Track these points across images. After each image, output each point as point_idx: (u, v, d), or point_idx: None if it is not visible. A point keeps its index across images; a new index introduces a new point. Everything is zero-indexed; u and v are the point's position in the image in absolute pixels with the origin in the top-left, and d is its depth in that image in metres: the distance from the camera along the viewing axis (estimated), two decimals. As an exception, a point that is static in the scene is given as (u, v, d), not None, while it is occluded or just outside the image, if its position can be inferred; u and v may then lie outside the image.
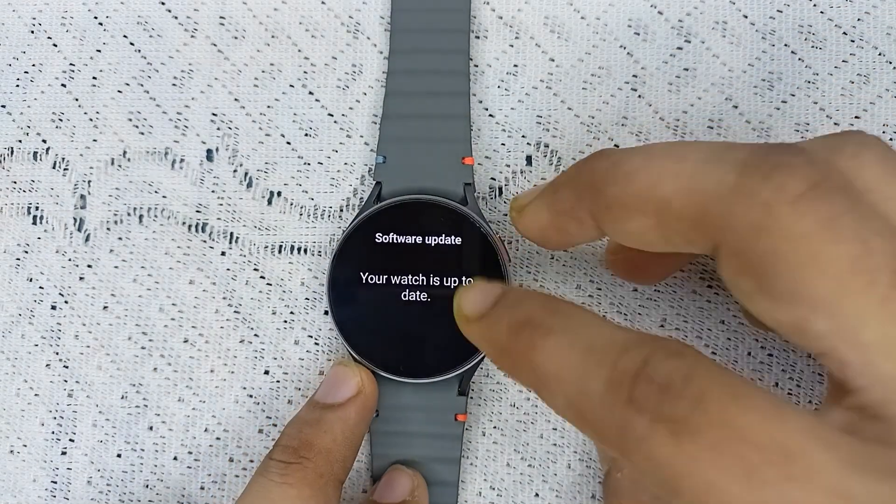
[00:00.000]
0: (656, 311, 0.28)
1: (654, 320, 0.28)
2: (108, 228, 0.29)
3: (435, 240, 0.26)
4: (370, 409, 0.26)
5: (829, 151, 0.18)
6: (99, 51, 0.30)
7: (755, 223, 0.17)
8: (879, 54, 0.28)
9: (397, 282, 0.26)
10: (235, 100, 0.29)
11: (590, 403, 0.17)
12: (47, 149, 0.30)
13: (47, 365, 0.29)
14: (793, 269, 0.16)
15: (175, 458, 0.28)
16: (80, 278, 0.29)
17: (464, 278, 0.26)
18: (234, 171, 0.29)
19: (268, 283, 0.29)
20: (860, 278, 0.16)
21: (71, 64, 0.30)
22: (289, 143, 0.29)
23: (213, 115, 0.29)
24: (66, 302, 0.29)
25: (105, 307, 0.29)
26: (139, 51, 0.30)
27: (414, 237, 0.26)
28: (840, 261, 0.16)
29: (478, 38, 0.29)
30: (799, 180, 0.16)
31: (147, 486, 0.28)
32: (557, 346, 0.17)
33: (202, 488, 0.28)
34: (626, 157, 0.19)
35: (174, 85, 0.30)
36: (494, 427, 0.28)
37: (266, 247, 0.29)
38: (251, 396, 0.28)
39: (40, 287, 0.29)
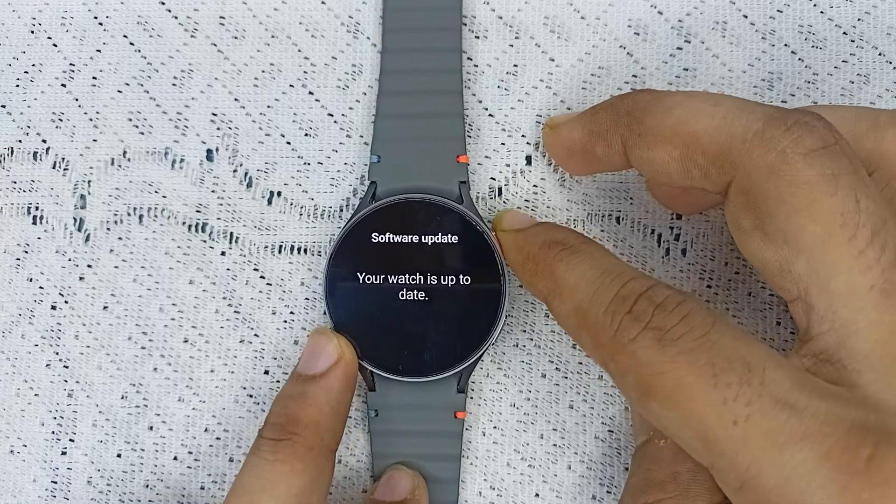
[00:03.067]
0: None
1: (654, 320, 0.28)
2: (108, 228, 0.29)
3: (431, 238, 0.26)
4: (353, 375, 0.26)
5: (859, 120, 0.22)
6: (99, 51, 0.30)
7: (769, 166, 0.19)
8: (879, 54, 0.28)
9: (394, 281, 0.26)
10: (235, 100, 0.29)
11: (595, 309, 0.20)
12: (47, 149, 0.30)
13: (47, 365, 0.29)
14: (790, 212, 0.19)
15: (175, 458, 0.28)
16: (80, 278, 0.29)
17: (461, 276, 0.26)
18: (234, 171, 0.29)
19: (268, 283, 0.29)
20: (844, 230, 0.18)
21: (71, 64, 0.30)
22: (289, 143, 0.29)
23: (213, 115, 0.29)
24: (66, 302, 0.29)
25: (105, 307, 0.29)
26: (139, 51, 0.30)
27: (410, 236, 0.26)
28: (831, 212, 0.18)
29: (477, 37, 0.29)
30: (815, 138, 0.19)
31: (147, 486, 0.28)
32: (581, 263, 0.21)
33: (202, 488, 0.28)
34: (668, 94, 0.22)
35: (174, 85, 0.30)
36: (494, 427, 0.28)
37: (266, 247, 0.29)
38: (251, 396, 0.28)
39: (40, 287, 0.29)
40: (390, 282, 0.26)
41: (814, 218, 0.18)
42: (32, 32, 0.30)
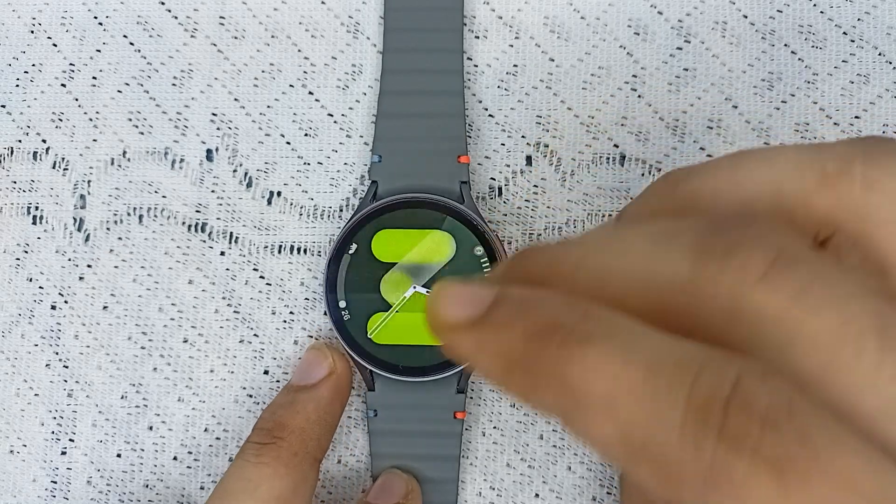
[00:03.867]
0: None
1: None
2: (108, 228, 0.29)
3: None
4: (344, 389, 0.26)
5: (863, 162, 0.16)
6: (99, 51, 0.30)
7: (725, 311, 0.14)
8: (879, 54, 0.28)
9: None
10: (235, 100, 0.29)
11: (660, 435, 0.13)
12: (47, 149, 0.30)
13: (47, 365, 0.29)
14: (776, 352, 0.14)
15: (175, 458, 0.28)
16: (80, 278, 0.29)
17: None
18: (234, 171, 0.29)
19: (267, 283, 0.29)
20: (846, 350, 0.14)
21: (71, 64, 0.30)
22: (289, 143, 0.29)
23: (213, 115, 0.29)
24: (65, 302, 0.29)
25: (105, 307, 0.29)
26: (139, 51, 0.30)
27: None
28: (822, 335, 0.14)
29: (477, 37, 0.29)
30: (758, 258, 0.14)
31: (147, 486, 0.28)
32: (607, 358, 0.14)
33: (202, 488, 0.28)
34: (562, 251, 0.16)
35: (174, 85, 0.30)
36: (494, 427, 0.28)
37: (266, 247, 0.29)
38: (251, 396, 0.28)
39: (40, 287, 0.29)
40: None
41: (805, 350, 0.14)
42: (32, 32, 0.30)
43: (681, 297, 0.15)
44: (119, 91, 0.30)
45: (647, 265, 0.15)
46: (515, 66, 0.29)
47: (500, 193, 0.29)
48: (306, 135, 0.29)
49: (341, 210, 0.29)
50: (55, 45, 0.30)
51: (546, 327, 0.14)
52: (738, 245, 0.15)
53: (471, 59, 0.29)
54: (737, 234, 0.15)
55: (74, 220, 0.29)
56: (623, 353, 0.14)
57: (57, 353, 0.29)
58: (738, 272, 0.14)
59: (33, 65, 0.30)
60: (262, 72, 0.29)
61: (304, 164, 0.29)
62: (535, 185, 0.28)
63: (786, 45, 0.28)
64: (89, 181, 0.29)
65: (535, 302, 0.15)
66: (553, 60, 0.29)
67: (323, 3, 0.30)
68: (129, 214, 0.29)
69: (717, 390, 0.13)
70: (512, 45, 0.29)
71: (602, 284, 0.15)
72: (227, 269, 0.29)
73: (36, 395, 0.29)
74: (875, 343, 0.14)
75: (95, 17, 0.30)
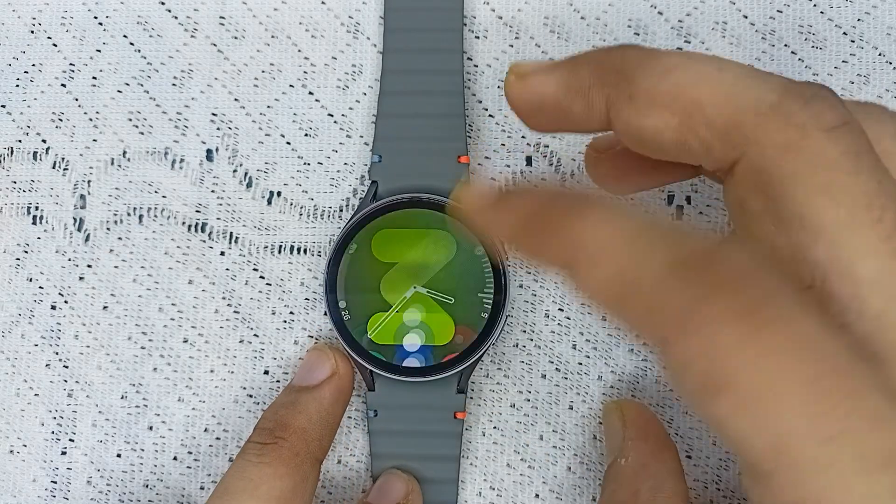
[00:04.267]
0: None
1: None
2: (108, 228, 0.29)
3: None
4: (346, 391, 0.26)
5: (855, 109, 0.19)
6: (99, 51, 0.30)
7: (786, 143, 0.17)
8: (879, 54, 0.28)
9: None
10: (235, 100, 0.29)
11: (650, 275, 0.15)
12: (47, 149, 0.30)
13: (47, 365, 0.29)
14: (808, 193, 0.17)
15: (175, 458, 0.28)
16: (80, 278, 0.29)
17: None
18: (234, 171, 0.29)
19: (267, 284, 0.29)
20: (870, 213, 0.16)
21: (71, 64, 0.30)
22: (289, 143, 0.29)
23: (213, 115, 0.29)
24: (65, 302, 0.29)
25: (105, 307, 0.29)
26: (139, 51, 0.30)
27: None
28: (855, 192, 0.16)
29: (477, 37, 0.29)
30: (835, 114, 0.17)
31: (147, 486, 0.28)
32: (609, 216, 0.16)
33: (202, 488, 0.28)
34: (664, 52, 0.19)
35: (174, 85, 0.30)
36: (494, 427, 0.28)
37: (266, 247, 0.29)
38: (251, 396, 0.28)
39: (40, 287, 0.29)
40: None
41: (836, 199, 0.16)
42: (32, 32, 0.30)
43: (754, 119, 0.17)
44: (119, 91, 0.30)
45: (739, 84, 0.18)
46: (515, 66, 0.29)
47: (500, 193, 0.28)
48: (306, 135, 0.29)
49: (341, 210, 0.29)
50: (55, 45, 0.30)
51: (559, 194, 0.17)
52: (822, 98, 0.17)
53: (471, 59, 0.29)
54: (823, 92, 0.17)
55: (74, 220, 0.29)
56: (623, 213, 0.16)
57: (57, 353, 0.29)
58: (814, 116, 0.17)
59: (33, 65, 0.30)
60: (263, 72, 0.29)
61: (305, 164, 0.29)
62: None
63: (786, 45, 0.28)
64: (89, 181, 0.29)
65: (545, 185, 0.18)
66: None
67: (323, 3, 0.30)
68: (129, 214, 0.29)
69: (704, 245, 0.15)
70: (512, 46, 0.29)
71: (692, 87, 0.18)
72: (227, 269, 0.29)
73: (36, 395, 0.29)
74: (894, 219, 0.16)
75: (95, 17, 0.30)
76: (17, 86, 0.30)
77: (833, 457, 0.14)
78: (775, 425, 0.14)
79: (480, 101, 0.29)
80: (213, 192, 0.29)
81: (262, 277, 0.29)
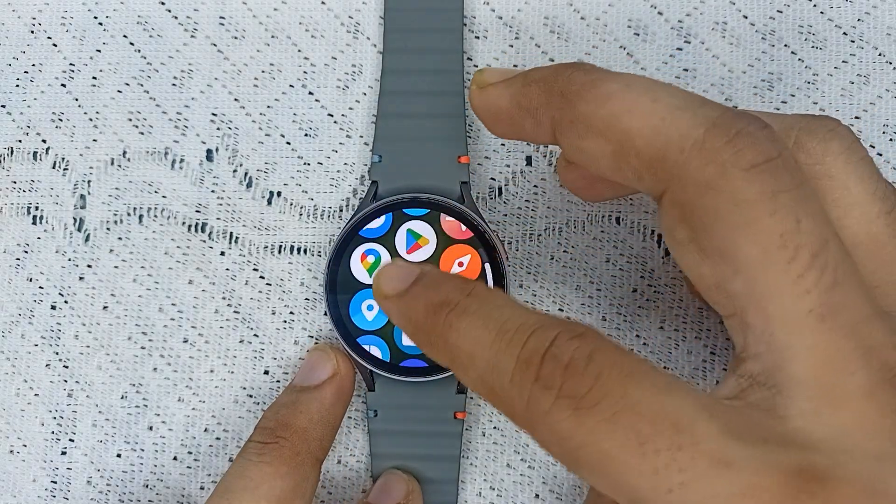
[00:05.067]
0: (655, 311, 0.28)
1: (653, 321, 0.28)
2: (108, 228, 0.29)
3: None
4: (347, 391, 0.26)
5: (800, 130, 0.20)
6: (99, 51, 0.30)
7: (707, 180, 0.18)
8: (879, 54, 0.28)
9: None
10: (235, 100, 0.29)
11: (500, 380, 0.18)
12: (47, 149, 0.30)
13: (47, 365, 0.29)
14: (727, 230, 0.17)
15: (175, 458, 0.28)
16: (80, 278, 0.29)
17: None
18: (234, 171, 0.29)
19: (267, 284, 0.29)
20: (783, 252, 0.17)
21: (71, 64, 0.30)
22: (289, 143, 0.29)
23: (213, 115, 0.29)
24: (65, 302, 0.29)
25: (105, 307, 0.29)
26: (139, 51, 0.30)
27: None
28: (770, 232, 0.17)
29: (477, 38, 0.29)
30: (757, 152, 0.17)
31: (147, 486, 0.28)
32: (471, 327, 0.18)
33: (202, 488, 0.28)
34: (605, 78, 0.20)
35: (174, 85, 0.30)
36: (494, 427, 0.28)
37: (266, 247, 0.29)
38: (251, 396, 0.28)
39: (40, 287, 0.29)
40: None
41: (752, 238, 0.17)
42: (32, 32, 0.30)
43: (678, 155, 0.18)
44: (119, 91, 0.30)
45: (668, 117, 0.18)
46: (515, 66, 0.29)
47: (500, 193, 0.29)
48: (306, 135, 0.29)
49: (341, 210, 0.29)
50: (55, 45, 0.30)
51: (439, 304, 0.19)
52: (747, 135, 0.18)
53: (471, 60, 0.29)
54: (751, 128, 0.18)
55: (74, 220, 0.29)
56: (484, 321, 0.18)
57: (57, 353, 0.29)
58: (735, 154, 0.17)
59: (33, 65, 0.30)
60: (262, 72, 0.29)
61: (305, 164, 0.29)
62: (535, 185, 0.28)
63: (786, 45, 0.28)
64: (89, 181, 0.29)
65: (437, 282, 0.20)
66: (553, 61, 0.29)
67: (323, 3, 0.30)
68: (129, 214, 0.29)
69: (538, 346, 0.17)
70: (512, 46, 0.29)
71: (625, 117, 0.19)
72: (227, 270, 0.29)
73: (36, 395, 0.29)
74: (807, 259, 0.17)
75: (95, 17, 0.30)
76: (17, 86, 0.30)
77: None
78: (624, 487, 0.16)
79: (480, 102, 0.29)
80: (213, 192, 0.29)
81: (262, 277, 0.29)
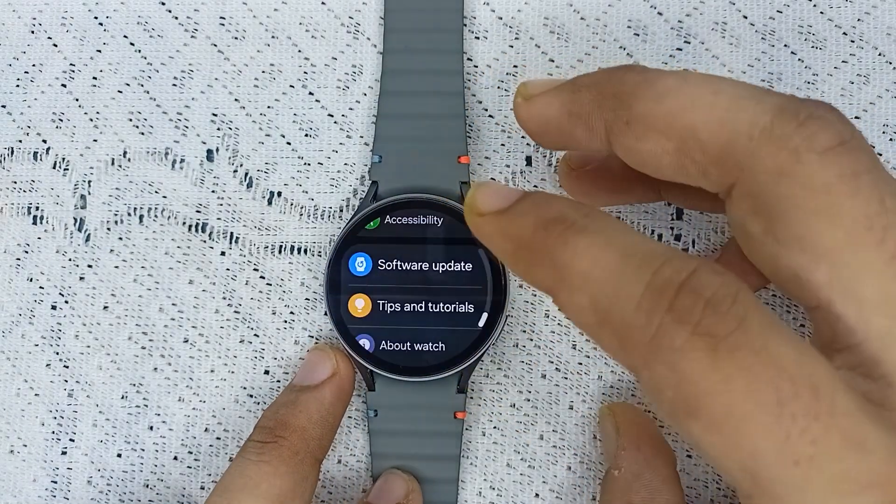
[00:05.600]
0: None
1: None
2: (109, 228, 0.29)
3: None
4: (346, 391, 0.26)
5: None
6: (99, 51, 0.30)
7: (780, 167, 0.17)
8: (879, 54, 0.28)
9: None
10: (236, 100, 0.29)
11: (621, 305, 0.16)
12: (47, 149, 0.30)
13: (47, 365, 0.29)
14: (806, 216, 0.16)
15: (175, 458, 0.28)
16: (81, 278, 0.29)
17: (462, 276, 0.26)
18: (235, 171, 0.29)
19: (268, 284, 0.29)
20: (871, 234, 0.16)
21: (71, 64, 0.30)
22: (289, 143, 0.29)
23: (214, 115, 0.29)
24: (66, 302, 0.29)
25: (105, 307, 0.29)
26: (139, 51, 0.30)
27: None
28: (855, 214, 0.16)
29: (477, 38, 0.29)
30: (830, 134, 0.17)
31: (147, 486, 0.28)
32: (592, 244, 0.17)
33: (202, 488, 0.28)
34: (660, 76, 0.19)
35: (174, 85, 0.30)
36: (494, 427, 0.28)
37: (266, 247, 0.29)
38: (251, 396, 0.28)
39: (40, 287, 0.29)
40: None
41: (834, 222, 0.16)
42: (32, 32, 0.30)
43: (748, 144, 0.17)
44: (119, 91, 0.30)
45: (732, 107, 0.17)
46: (515, 66, 0.29)
47: (501, 194, 0.29)
48: (307, 135, 0.29)
49: (341, 210, 0.29)
50: (55, 46, 0.30)
51: (552, 220, 0.17)
52: (817, 118, 0.17)
53: (471, 60, 0.29)
54: (820, 111, 0.17)
55: (75, 220, 0.29)
56: (606, 242, 0.17)
57: (57, 353, 0.29)
58: (807, 138, 0.17)
59: (34, 65, 0.30)
60: (263, 72, 0.29)
61: (305, 164, 0.29)
62: (535, 186, 0.28)
63: (786, 45, 0.28)
64: (90, 181, 0.29)
65: (549, 200, 0.18)
66: (553, 61, 0.29)
67: (323, 3, 0.30)
68: (129, 214, 0.29)
69: (674, 276, 0.15)
70: (512, 46, 0.29)
71: (687, 112, 0.18)
72: (228, 270, 0.29)
73: (36, 395, 0.29)
74: None
75: (96, 18, 0.30)
76: (18, 86, 0.30)
77: (805, 480, 0.14)
78: (744, 448, 0.15)
79: (480, 102, 0.29)
80: (213, 192, 0.29)
81: (262, 277, 0.29)
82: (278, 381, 0.28)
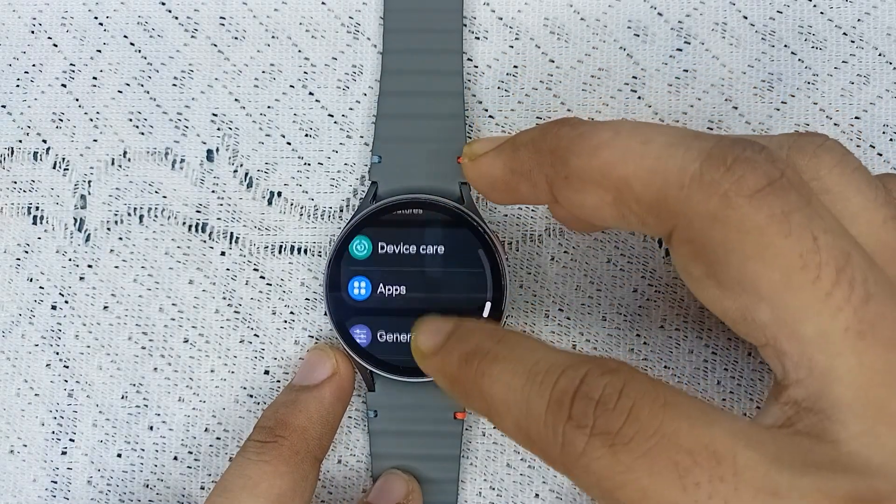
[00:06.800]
0: (656, 311, 0.28)
1: (654, 320, 0.28)
2: (109, 228, 0.29)
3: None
4: (346, 390, 0.26)
5: (790, 149, 0.20)
6: (99, 51, 0.30)
7: (713, 212, 0.17)
8: (879, 54, 0.28)
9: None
10: (236, 100, 0.29)
11: (535, 424, 0.17)
12: (47, 149, 0.30)
13: (47, 365, 0.29)
14: (742, 260, 0.17)
15: (175, 458, 0.28)
16: (81, 278, 0.29)
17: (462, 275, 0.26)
18: (235, 171, 0.29)
19: (268, 284, 0.29)
20: (806, 273, 0.16)
21: (71, 64, 0.30)
22: (289, 143, 0.29)
23: (214, 115, 0.29)
24: (66, 302, 0.29)
25: (105, 307, 0.29)
26: (139, 51, 0.30)
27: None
28: (788, 254, 0.16)
29: (478, 38, 0.29)
30: (758, 176, 0.17)
31: (147, 486, 0.28)
32: (503, 372, 0.18)
33: (202, 488, 0.28)
34: (594, 129, 0.19)
35: (174, 85, 0.30)
36: (494, 427, 0.28)
37: (266, 247, 0.29)
38: (251, 396, 0.28)
39: (40, 287, 0.29)
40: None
41: (769, 263, 0.17)
42: (32, 32, 0.30)
43: (679, 192, 0.18)
44: (119, 91, 0.30)
45: (662, 156, 0.18)
46: (515, 67, 0.29)
47: (501, 194, 0.29)
48: (307, 135, 0.29)
49: (342, 210, 0.29)
50: (55, 46, 0.30)
51: (470, 353, 0.19)
52: (745, 161, 0.17)
53: (471, 60, 0.29)
54: (747, 153, 0.17)
55: (75, 220, 0.29)
56: (514, 366, 0.18)
57: (57, 353, 0.29)
58: (736, 182, 0.17)
59: (34, 65, 0.30)
60: (263, 72, 0.29)
61: (305, 164, 0.29)
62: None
63: (786, 45, 0.28)
64: (90, 181, 0.29)
65: (469, 333, 0.20)
66: (553, 61, 0.29)
67: (323, 3, 0.30)
68: (129, 214, 0.29)
69: (568, 385, 0.17)
70: (512, 46, 0.29)
71: (619, 164, 0.18)
72: (228, 270, 0.29)
73: (36, 395, 0.29)
74: (832, 276, 0.16)
75: (96, 18, 0.30)
76: (18, 86, 0.30)
77: None
78: None
79: (480, 102, 0.29)
80: (213, 192, 0.29)
81: (262, 277, 0.29)
82: (278, 381, 0.28)
